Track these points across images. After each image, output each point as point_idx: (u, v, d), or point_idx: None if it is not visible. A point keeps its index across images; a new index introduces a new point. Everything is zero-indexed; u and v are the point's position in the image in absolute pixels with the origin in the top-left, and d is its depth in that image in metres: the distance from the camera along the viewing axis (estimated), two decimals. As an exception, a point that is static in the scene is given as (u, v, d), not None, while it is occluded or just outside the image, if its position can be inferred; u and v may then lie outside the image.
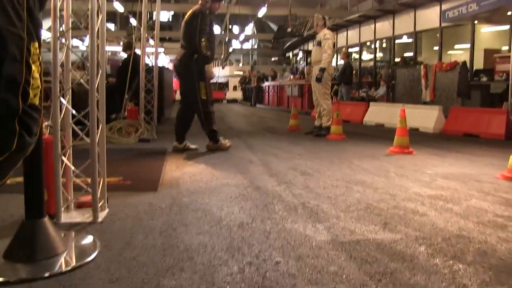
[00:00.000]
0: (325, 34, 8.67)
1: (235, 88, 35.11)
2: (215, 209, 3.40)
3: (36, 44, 1.69)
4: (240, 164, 5.45)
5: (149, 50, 9.25)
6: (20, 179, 2.52)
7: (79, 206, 3.31)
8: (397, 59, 19.67)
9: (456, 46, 18.37)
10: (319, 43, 8.70)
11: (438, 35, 16.59)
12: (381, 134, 9.43)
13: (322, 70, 8.54)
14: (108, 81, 10.06)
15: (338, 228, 2.96)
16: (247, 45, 44.94)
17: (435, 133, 10.26)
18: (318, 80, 8.59)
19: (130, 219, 3.14)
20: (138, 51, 8.95)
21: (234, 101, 31.59)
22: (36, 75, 1.69)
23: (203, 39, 5.95)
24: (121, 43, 13.38)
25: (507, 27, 13.87)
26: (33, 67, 1.66)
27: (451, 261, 2.41)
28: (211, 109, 6.26)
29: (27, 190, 2.46)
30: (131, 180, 4.36)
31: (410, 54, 18.80)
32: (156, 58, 8.92)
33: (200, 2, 6.25)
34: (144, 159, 5.76)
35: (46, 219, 2.48)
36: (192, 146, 6.50)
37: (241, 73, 39.46)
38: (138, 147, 6.78)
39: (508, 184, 4.51)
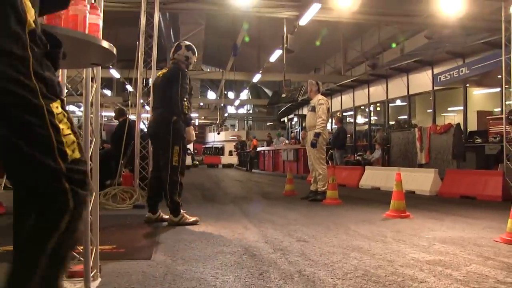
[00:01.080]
0: (319, 99, 8.82)
1: (230, 153, 35.34)
2: (210, 277, 3.32)
3: (56, 103, 1.65)
4: (236, 230, 5.38)
5: (144, 116, 9.36)
6: (10, 247, 2.47)
7: (71, 275, 3.22)
8: (392, 122, 19.93)
9: (450, 108, 18.71)
10: (313, 109, 8.85)
11: (431, 98, 16.92)
12: (377, 198, 9.39)
13: (317, 135, 8.63)
14: (103, 147, 10.14)
15: (336, 296, 2.88)
16: (243, 110, 45.60)
17: (432, 196, 10.25)
18: (313, 145, 8.66)
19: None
20: (132, 117, 9.05)
21: (229, 166, 31.70)
22: (68, 131, 1.67)
23: (185, 99, 5.56)
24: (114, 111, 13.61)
25: (498, 89, 14.19)
26: (61, 126, 1.64)
27: (452, 331, 2.34)
28: (179, 179, 5.69)
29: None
30: (125, 248, 4.28)
31: (404, 117, 19.09)
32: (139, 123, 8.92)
33: (173, 60, 5.89)
34: (138, 226, 5.68)
35: None
36: (166, 217, 5.92)
37: (236, 138, 39.87)
38: (132, 213, 6.72)
39: (508, 248, 4.45)
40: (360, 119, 24.35)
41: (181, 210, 5.72)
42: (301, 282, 3.23)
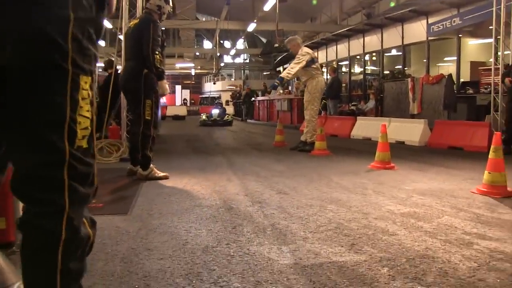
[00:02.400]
0: (302, 53, 8.72)
1: (227, 103, 35.16)
2: (183, 232, 3.37)
3: (86, 78, 1.47)
4: (218, 183, 5.42)
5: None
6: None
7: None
8: (387, 72, 19.79)
9: (446, 58, 18.52)
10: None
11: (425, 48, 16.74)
12: (367, 149, 9.41)
13: (280, 79, 8.93)
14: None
15: (303, 250, 2.93)
16: (239, 60, 45.12)
17: (421, 146, 10.30)
18: (273, 87, 10.02)
19: (93, 244, 3.09)
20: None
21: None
22: (86, 113, 1.47)
23: (156, 52, 5.26)
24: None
25: (491, 40, 14.03)
26: (82, 104, 1.45)
27: (411, 283, 2.39)
28: (151, 133, 5.55)
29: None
30: (104, 203, 4.31)
31: (400, 67, 18.93)
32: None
33: (147, 10, 5.58)
34: (122, 179, 5.70)
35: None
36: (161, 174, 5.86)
37: (233, 87, 39.59)
38: (118, 167, 6.74)
39: (482, 199, 4.51)
40: (356, 69, 24.13)
41: (151, 165, 5.62)
42: (272, 235, 3.28)
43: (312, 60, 8.73)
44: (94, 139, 1.57)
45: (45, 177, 1.42)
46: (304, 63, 8.54)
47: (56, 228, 1.43)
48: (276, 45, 20.46)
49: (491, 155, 4.77)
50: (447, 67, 18.59)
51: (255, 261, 2.75)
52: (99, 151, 7.48)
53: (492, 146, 4.78)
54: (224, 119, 20.84)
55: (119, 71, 8.55)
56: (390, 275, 2.52)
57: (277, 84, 8.91)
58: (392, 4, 22.33)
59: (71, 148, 1.43)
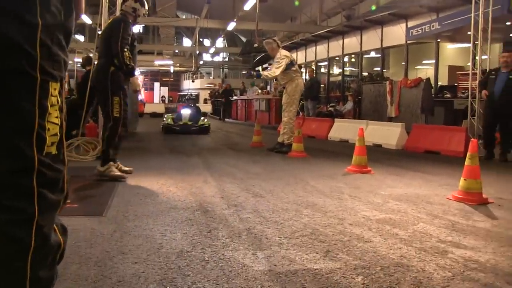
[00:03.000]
0: (280, 54, 8.79)
1: (205, 101, 35.03)
2: (158, 235, 3.33)
3: (56, 85, 1.45)
4: (194, 184, 5.38)
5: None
6: None
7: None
8: (365, 74, 19.96)
9: (424, 61, 18.72)
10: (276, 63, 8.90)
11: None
12: (344, 151, 9.45)
13: (259, 75, 9.61)
14: (70, 96, 9.93)
15: (278, 256, 2.91)
16: (218, 58, 44.99)
17: (398, 150, 10.39)
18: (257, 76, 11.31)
19: (67, 247, 3.00)
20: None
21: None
22: (55, 120, 1.46)
23: (125, 49, 5.35)
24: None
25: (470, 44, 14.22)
26: (51, 110, 1.44)
27: (385, 293, 2.39)
28: (119, 130, 5.53)
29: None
30: (79, 203, 4.25)
31: (379, 69, 19.09)
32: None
33: (122, 11, 5.72)
34: (98, 178, 5.62)
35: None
36: (125, 168, 5.88)
37: (212, 85, 39.49)
38: (95, 165, 6.62)
39: (457, 206, 4.56)
40: (335, 70, 24.26)
41: (111, 163, 5.59)
42: (247, 240, 3.26)
43: (291, 63, 8.81)
44: (64, 145, 1.54)
45: (13, 185, 1.39)
46: (284, 66, 8.60)
47: (25, 236, 1.40)
48: (256, 45, 20.47)
49: (467, 162, 4.82)
50: (425, 70, 18.82)
51: (229, 267, 2.72)
52: (76, 149, 7.36)
53: (468, 153, 4.83)
54: (199, 123, 14.63)
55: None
56: (364, 283, 2.52)
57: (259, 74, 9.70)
58: (374, 8, 22.53)
59: (39, 155, 1.41)
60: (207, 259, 2.85)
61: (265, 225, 3.65)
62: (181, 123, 14.33)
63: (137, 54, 6.07)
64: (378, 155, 9.14)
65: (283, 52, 8.94)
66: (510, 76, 8.27)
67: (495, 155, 8.55)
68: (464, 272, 2.73)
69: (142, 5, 5.74)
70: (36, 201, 1.41)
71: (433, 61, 16.04)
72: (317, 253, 3.01)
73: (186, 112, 15.14)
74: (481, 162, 7.61)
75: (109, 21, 5.80)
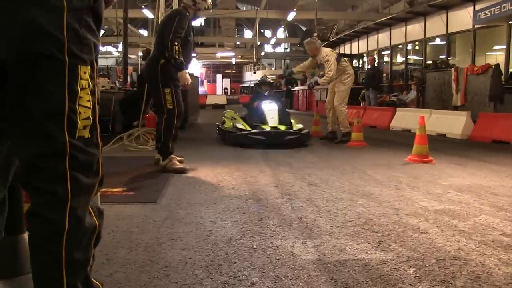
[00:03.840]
0: (325, 55, 8.69)
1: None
2: (208, 222, 3.33)
3: (85, 68, 1.47)
4: (250, 173, 5.37)
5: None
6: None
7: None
8: (429, 62, 19.30)
9: (494, 47, 17.84)
10: (323, 66, 8.88)
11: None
12: (405, 141, 9.15)
13: (316, 83, 9.24)
14: (133, 88, 10.19)
15: (328, 246, 2.84)
16: (280, 49, 44.87)
17: (463, 140, 9.97)
18: (309, 86, 10.74)
19: (119, 233, 3.10)
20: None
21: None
22: (87, 103, 1.48)
23: (176, 43, 5.21)
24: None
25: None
26: (81, 94, 1.46)
27: (438, 287, 2.27)
28: (175, 122, 5.42)
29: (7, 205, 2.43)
30: (134, 191, 4.34)
31: (444, 56, 18.40)
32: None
33: (183, 4, 5.57)
34: (155, 168, 5.72)
35: (26, 235, 2.46)
36: (178, 158, 5.73)
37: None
38: (153, 155, 6.76)
39: (525, 198, 4.30)
40: (398, 58, 23.60)
41: (172, 155, 5.52)
42: (298, 229, 3.20)
43: (338, 57, 8.80)
44: (98, 129, 1.57)
45: (46, 168, 1.43)
46: (335, 63, 8.56)
47: (59, 219, 1.44)
48: (315, 34, 20.22)
49: (534, 151, 4.53)
50: (495, 56, 17.92)
51: (277, 255, 2.68)
52: (136, 139, 7.53)
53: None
54: (295, 128, 8.37)
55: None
56: (416, 276, 2.40)
57: (312, 85, 9.86)
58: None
59: (71, 138, 1.44)
60: (255, 247, 2.82)
61: (318, 214, 3.58)
62: (266, 127, 8.09)
63: (198, 46, 6.12)
64: (441, 144, 8.82)
65: (326, 49, 8.89)
66: None
67: None
68: (528, 267, 2.56)
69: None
70: (69, 184, 1.45)
71: (503, 47, 15.25)
72: (369, 243, 2.91)
73: (271, 108, 8.49)
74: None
75: (167, 14, 5.88)
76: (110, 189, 4.27)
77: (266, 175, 5.27)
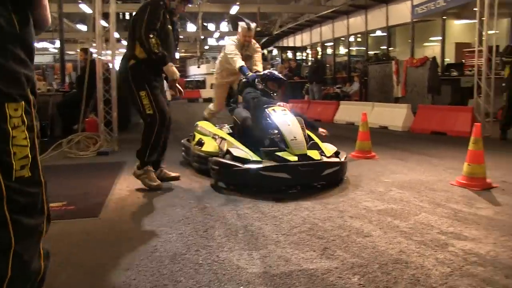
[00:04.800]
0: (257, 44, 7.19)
1: (212, 86, 34.86)
2: (153, 237, 3.28)
3: (17, 105, 1.37)
4: (195, 178, 5.31)
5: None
6: None
7: None
8: (371, 53, 19.72)
9: (431, 38, 18.40)
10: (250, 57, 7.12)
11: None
12: (349, 135, 9.29)
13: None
14: (70, 90, 9.82)
15: (274, 256, 2.85)
16: (224, 42, 44.69)
17: (404, 132, 10.26)
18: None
19: (59, 255, 2.96)
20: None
21: (210, 99, 31.07)
22: (23, 141, 1.38)
23: (151, 35, 4.48)
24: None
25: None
26: (14, 133, 1.35)
27: (381, 294, 2.33)
28: (157, 129, 4.68)
29: None
30: (75, 204, 4.19)
31: (385, 47, 18.83)
32: (114, 63, 8.20)
33: None
34: (96, 176, 5.53)
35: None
36: (172, 175, 5.23)
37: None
38: (95, 162, 6.60)
39: (460, 192, 4.47)
40: (342, 50, 23.95)
41: (149, 167, 4.83)
42: (243, 239, 3.20)
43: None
44: (39, 165, 1.47)
45: None
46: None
47: (0, 267, 1.36)
48: (259, 28, 20.23)
49: (470, 146, 4.71)
50: (432, 47, 18.49)
51: (223, 270, 2.66)
52: (76, 144, 7.28)
53: (472, 138, 4.72)
54: (327, 154, 5.04)
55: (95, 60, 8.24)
56: (360, 284, 2.45)
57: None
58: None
59: (8, 182, 1.34)
60: (201, 262, 2.79)
61: (263, 221, 3.59)
62: (289, 156, 4.70)
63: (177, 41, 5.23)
64: (383, 138, 9.04)
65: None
66: None
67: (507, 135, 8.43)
68: (463, 266, 2.66)
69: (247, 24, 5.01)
70: (11, 229, 1.36)
71: (440, 38, 15.77)
72: (314, 251, 2.94)
73: (288, 120, 5.13)
74: (493, 142, 7.56)
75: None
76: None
77: (210, 180, 5.15)
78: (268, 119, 5.15)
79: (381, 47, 20.07)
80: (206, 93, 32.59)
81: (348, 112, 12.59)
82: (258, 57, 6.76)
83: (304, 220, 3.60)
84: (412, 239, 3.14)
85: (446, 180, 5.01)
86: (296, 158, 4.64)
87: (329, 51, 24.53)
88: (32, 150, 1.43)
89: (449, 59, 15.77)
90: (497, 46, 11.84)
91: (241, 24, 6.61)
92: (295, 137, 4.85)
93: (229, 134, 5.58)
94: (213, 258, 2.84)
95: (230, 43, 6.51)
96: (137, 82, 4.65)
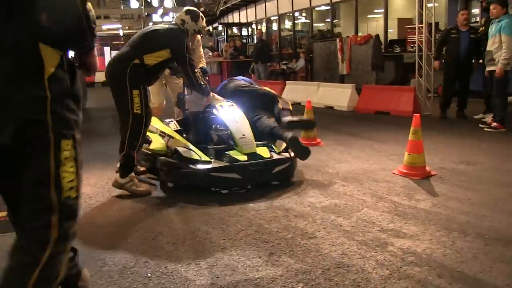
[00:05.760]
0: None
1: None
2: (101, 248, 3.27)
3: (68, 141, 1.89)
4: (139, 177, 5.26)
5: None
6: None
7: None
8: (317, 31, 19.84)
9: (376, 10, 18.66)
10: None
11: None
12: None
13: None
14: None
15: (221, 265, 2.92)
16: (168, 18, 43.79)
17: (349, 112, 10.48)
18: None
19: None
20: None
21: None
22: (71, 169, 1.90)
23: (196, 70, 4.76)
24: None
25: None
26: (64, 162, 1.87)
27: (323, 304, 2.43)
28: (141, 129, 4.53)
29: None
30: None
31: (329, 20, 18.98)
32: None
33: (178, 21, 4.89)
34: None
35: None
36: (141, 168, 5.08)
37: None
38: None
39: (402, 182, 4.66)
40: (287, 24, 23.96)
41: (133, 174, 4.63)
42: (191, 246, 3.25)
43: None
44: (80, 187, 1.98)
45: (38, 219, 1.83)
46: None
47: (38, 255, 1.81)
48: (202, 9, 19.95)
49: (410, 137, 4.89)
50: (376, 20, 18.78)
51: (171, 283, 2.72)
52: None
53: (411, 128, 4.89)
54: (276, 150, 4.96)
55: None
56: (304, 293, 2.55)
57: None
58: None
59: (58, 197, 1.85)
60: (149, 275, 2.83)
61: (210, 225, 3.64)
62: (237, 155, 4.67)
63: None
64: (329, 119, 9.23)
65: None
66: (472, 35, 8.39)
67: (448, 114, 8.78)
68: (401, 268, 2.80)
69: (194, 19, 4.94)
70: (56, 233, 1.84)
71: (382, 10, 16.03)
72: (260, 257, 3.02)
73: (234, 115, 5.09)
74: (433, 122, 7.85)
75: (166, 27, 4.90)
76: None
77: (159, 179, 5.12)
78: (216, 115, 5.11)
79: (326, 20, 20.18)
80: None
81: (295, 91, 12.72)
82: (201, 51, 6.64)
83: (251, 222, 3.68)
84: (354, 239, 3.27)
85: (389, 168, 5.19)
86: (245, 158, 4.57)
87: (275, 26, 24.51)
88: (78, 177, 1.94)
89: (392, 33, 16.09)
90: (437, 23, 12.25)
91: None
92: (243, 135, 4.80)
93: (176, 131, 5.35)
94: (161, 270, 2.88)
95: None
96: (133, 80, 4.54)
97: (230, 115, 5.02)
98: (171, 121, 5.76)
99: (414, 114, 5.00)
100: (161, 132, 5.33)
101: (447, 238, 3.26)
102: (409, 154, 4.90)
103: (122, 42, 51.95)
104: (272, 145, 4.99)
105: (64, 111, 1.87)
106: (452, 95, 8.78)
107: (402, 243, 3.18)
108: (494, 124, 7.36)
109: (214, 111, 5.13)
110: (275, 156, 4.76)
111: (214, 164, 4.49)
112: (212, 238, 3.38)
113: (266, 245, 3.22)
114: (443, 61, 8.84)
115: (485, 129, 7.45)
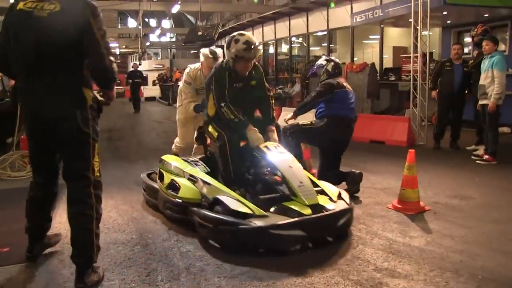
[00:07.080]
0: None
1: (154, 83, 34.30)
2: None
3: (97, 143, 3.33)
4: (136, 206, 5.19)
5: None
6: None
7: None
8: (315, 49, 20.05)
9: (371, 36, 18.89)
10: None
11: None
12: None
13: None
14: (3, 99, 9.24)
15: (215, 307, 2.89)
16: (166, 38, 44.13)
17: (344, 140, 10.46)
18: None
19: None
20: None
21: (152, 99, 30.32)
22: (98, 160, 3.33)
23: (222, 104, 4.50)
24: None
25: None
26: (96, 157, 3.31)
27: None
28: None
29: None
30: (9, 245, 3.92)
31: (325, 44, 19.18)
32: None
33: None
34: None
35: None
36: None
37: (160, 66, 38.83)
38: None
39: (396, 218, 4.68)
40: (284, 48, 24.17)
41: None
42: (186, 283, 3.23)
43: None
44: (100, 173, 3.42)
45: (83, 190, 3.21)
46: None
47: (92, 212, 3.24)
48: (200, 33, 20.11)
49: (405, 172, 4.92)
50: (371, 46, 18.98)
51: (165, 325, 2.68)
52: (11, 165, 6.86)
53: (406, 164, 4.93)
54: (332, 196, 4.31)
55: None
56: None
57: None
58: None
59: (93, 176, 3.26)
60: (143, 315, 2.80)
61: (205, 261, 3.61)
62: (296, 206, 4.01)
63: None
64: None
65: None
66: (465, 69, 8.56)
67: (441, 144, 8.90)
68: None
69: (213, 55, 5.70)
70: (93, 197, 3.24)
71: (379, 37, 16.23)
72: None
73: (285, 159, 4.38)
74: (427, 153, 7.89)
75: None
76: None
77: (151, 208, 5.08)
78: (260, 157, 4.46)
79: (323, 44, 20.36)
80: (148, 91, 31.72)
81: (290, 118, 12.74)
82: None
83: (247, 260, 3.62)
84: (349, 278, 3.26)
85: (384, 202, 5.20)
86: (310, 211, 3.88)
87: (271, 50, 24.71)
88: (99, 164, 3.37)
89: (387, 60, 16.28)
90: (431, 53, 12.42)
91: (203, 52, 6.14)
92: (301, 183, 4.09)
93: (207, 173, 4.67)
94: (155, 310, 2.86)
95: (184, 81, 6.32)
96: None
97: (281, 158, 4.34)
98: (197, 161, 5.09)
99: (409, 150, 5.02)
100: (190, 176, 4.65)
101: (441, 278, 3.26)
102: (403, 189, 4.92)
103: (118, 60, 52.71)
104: (325, 191, 4.36)
105: (96, 126, 3.29)
106: (446, 126, 8.89)
107: (397, 283, 3.18)
108: (486, 156, 7.45)
109: (256, 152, 4.48)
110: (339, 207, 4.11)
111: (275, 220, 3.76)
112: (207, 275, 3.35)
113: (261, 284, 3.20)
114: (437, 91, 8.94)
115: (477, 161, 7.54)
